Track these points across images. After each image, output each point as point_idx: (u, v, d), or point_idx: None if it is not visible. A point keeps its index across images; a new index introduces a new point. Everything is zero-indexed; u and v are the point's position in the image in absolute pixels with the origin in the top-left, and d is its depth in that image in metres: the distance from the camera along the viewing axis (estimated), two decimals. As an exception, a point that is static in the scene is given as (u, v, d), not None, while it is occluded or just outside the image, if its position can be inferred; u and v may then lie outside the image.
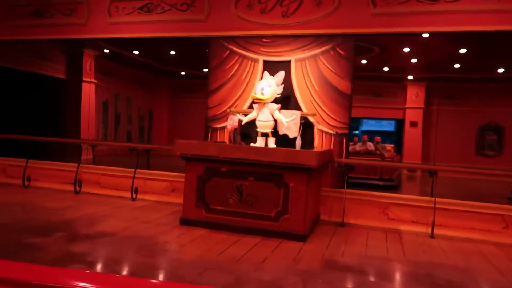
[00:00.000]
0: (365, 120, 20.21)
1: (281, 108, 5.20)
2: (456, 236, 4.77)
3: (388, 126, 17.60)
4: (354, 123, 20.70)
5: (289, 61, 5.39)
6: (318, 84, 5.28)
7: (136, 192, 5.91)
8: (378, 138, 10.69)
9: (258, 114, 5.01)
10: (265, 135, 5.00)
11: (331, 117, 5.24)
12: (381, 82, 14.12)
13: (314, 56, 5.30)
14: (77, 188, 6.15)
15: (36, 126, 9.60)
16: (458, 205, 4.85)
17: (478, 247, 4.42)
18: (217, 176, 4.44)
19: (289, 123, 5.13)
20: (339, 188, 5.21)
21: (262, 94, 4.95)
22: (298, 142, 5.02)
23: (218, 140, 5.67)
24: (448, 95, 13.76)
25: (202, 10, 5.75)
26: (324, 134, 5.27)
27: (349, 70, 5.19)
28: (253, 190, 4.32)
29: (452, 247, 4.35)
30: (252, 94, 4.98)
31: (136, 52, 11.44)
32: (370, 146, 9.77)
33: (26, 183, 6.43)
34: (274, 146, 4.92)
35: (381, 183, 8.22)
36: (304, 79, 5.33)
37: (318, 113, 5.27)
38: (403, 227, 5.00)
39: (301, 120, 5.18)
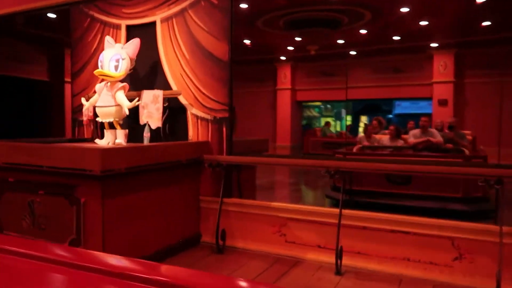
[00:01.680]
0: (397, 102, 17.73)
1: (145, 88, 3.79)
2: (377, 272, 3.00)
3: (427, 107, 15.05)
4: (385, 105, 18.24)
5: (154, 23, 3.91)
6: (189, 50, 3.73)
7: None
8: (452, 120, 6.46)
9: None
10: (113, 126, 3.59)
11: (207, 96, 3.66)
12: (400, 55, 11.81)
13: (182, 11, 3.75)
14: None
15: (24, 129, 9.24)
16: (382, 222, 3.06)
17: (401, 295, 2.65)
18: (8, 190, 3.13)
19: (150, 108, 3.70)
20: (231, 197, 3.65)
21: (116, 69, 3.52)
22: (146, 135, 3.55)
23: (86, 137, 4.36)
24: (485, 64, 11.08)
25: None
26: (199, 120, 3.72)
27: (226, 27, 3.57)
28: (46, 209, 2.95)
29: (352, 297, 2.63)
30: (97, 70, 3.52)
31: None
32: (436, 135, 5.82)
33: None
34: (122, 141, 3.49)
35: (463, 207, 4.60)
36: (173, 45, 3.81)
37: (191, 91, 3.72)
38: (305, 255, 3.31)
39: (164, 103, 3.70)
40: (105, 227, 2.70)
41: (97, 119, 3.58)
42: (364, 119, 18.95)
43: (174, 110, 3.78)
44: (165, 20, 3.83)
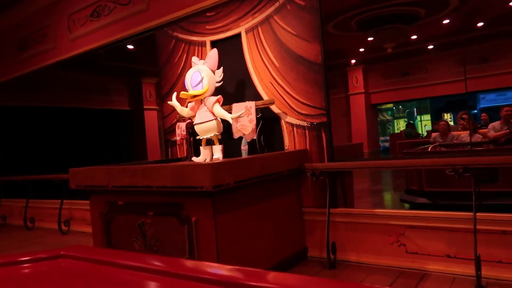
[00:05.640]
0: (481, 95, 16.24)
1: (235, 101, 3.73)
2: (531, 285, 2.54)
3: (518, 97, 13.60)
4: (471, 100, 16.72)
5: (239, 35, 3.84)
6: (278, 56, 3.60)
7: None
8: None
9: (195, 117, 3.60)
10: (210, 142, 3.55)
11: (301, 103, 3.48)
12: (487, 43, 10.77)
13: (267, 18, 3.64)
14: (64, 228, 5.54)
15: (110, 156, 9.96)
16: (529, 225, 2.60)
17: None
18: (118, 213, 3.17)
19: (243, 121, 3.60)
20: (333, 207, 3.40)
21: (198, 86, 3.51)
22: (244, 148, 3.45)
23: (180, 156, 4.39)
24: None
25: (143, -2, 4.62)
26: (295, 128, 3.54)
27: (316, 27, 3.38)
28: (156, 230, 2.92)
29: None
30: (182, 93, 3.53)
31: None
32: None
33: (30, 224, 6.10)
34: (219, 156, 3.43)
35: None
36: (260, 54, 3.71)
37: (283, 99, 3.57)
38: (432, 266, 2.93)
39: (257, 114, 3.58)
40: (218, 245, 2.58)
41: (198, 137, 3.55)
42: (447, 117, 17.65)
43: (266, 121, 3.65)
44: (250, 30, 3.75)
